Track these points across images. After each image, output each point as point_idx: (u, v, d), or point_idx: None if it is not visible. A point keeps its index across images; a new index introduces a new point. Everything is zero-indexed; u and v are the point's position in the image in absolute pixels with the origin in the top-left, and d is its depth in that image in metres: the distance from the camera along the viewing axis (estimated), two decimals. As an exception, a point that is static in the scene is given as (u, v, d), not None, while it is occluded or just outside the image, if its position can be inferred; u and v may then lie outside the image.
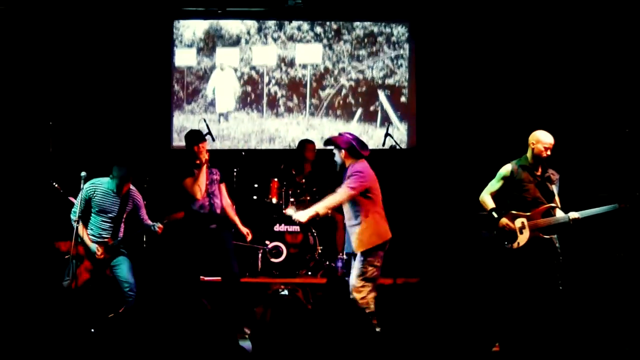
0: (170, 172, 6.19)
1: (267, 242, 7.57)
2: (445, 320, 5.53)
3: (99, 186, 5.82)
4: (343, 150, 5.44)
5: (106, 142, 8.10)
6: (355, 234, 5.34)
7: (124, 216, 5.91)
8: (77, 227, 5.64)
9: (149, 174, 7.48)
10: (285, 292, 6.26)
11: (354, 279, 5.35)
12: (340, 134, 5.64)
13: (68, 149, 7.77)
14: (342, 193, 5.31)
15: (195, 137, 6.03)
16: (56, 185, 6.65)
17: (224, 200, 6.17)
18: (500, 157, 5.95)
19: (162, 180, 7.41)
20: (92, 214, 5.78)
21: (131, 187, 5.94)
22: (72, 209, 5.79)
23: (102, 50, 8.34)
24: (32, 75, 8.10)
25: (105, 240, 5.82)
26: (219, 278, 6.38)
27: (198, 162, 5.88)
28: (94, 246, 5.72)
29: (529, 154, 5.66)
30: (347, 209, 5.42)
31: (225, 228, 6.10)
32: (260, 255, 7.57)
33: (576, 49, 8.04)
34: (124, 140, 8.26)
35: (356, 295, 5.28)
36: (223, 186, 6.16)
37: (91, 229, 5.80)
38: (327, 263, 7.56)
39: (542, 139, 5.58)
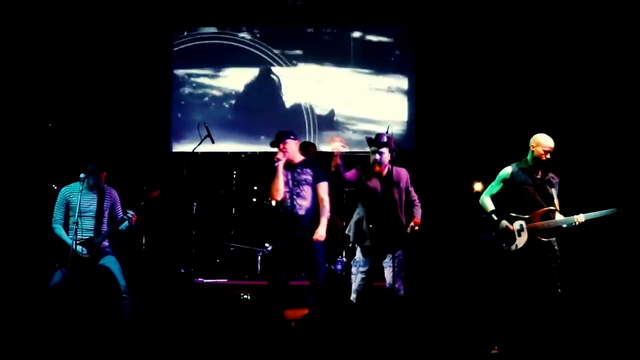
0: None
1: (267, 244, 7.58)
2: (445, 322, 5.54)
3: (74, 188, 5.86)
4: (393, 154, 5.67)
5: (106, 144, 8.12)
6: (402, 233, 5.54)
7: (105, 214, 5.91)
8: (60, 233, 5.74)
9: (148, 177, 7.49)
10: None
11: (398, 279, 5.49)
12: (382, 134, 5.71)
13: (68, 151, 7.77)
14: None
15: (276, 138, 5.82)
16: (55, 188, 6.65)
17: (319, 202, 5.73)
18: (500, 160, 5.96)
19: (161, 184, 7.42)
20: (73, 218, 5.76)
21: (106, 185, 5.94)
22: (53, 217, 5.84)
23: (103, 54, 8.38)
24: (33, 75, 8.12)
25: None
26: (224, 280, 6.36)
27: (275, 164, 5.73)
28: (79, 247, 5.71)
29: (529, 157, 5.66)
30: (397, 207, 5.59)
31: (307, 231, 5.65)
32: (259, 257, 7.58)
33: (576, 51, 8.06)
34: (124, 143, 8.29)
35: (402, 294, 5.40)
36: (319, 187, 5.70)
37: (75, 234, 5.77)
38: (327, 266, 7.56)
39: (542, 142, 5.59)
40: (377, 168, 5.62)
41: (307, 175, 5.72)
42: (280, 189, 5.63)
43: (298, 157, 5.77)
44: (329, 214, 5.67)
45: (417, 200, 5.75)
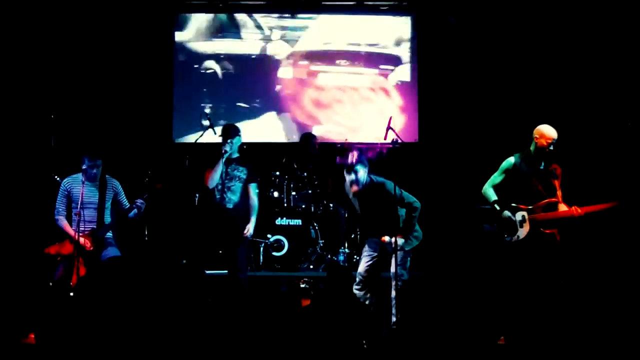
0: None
1: (269, 235, 7.57)
2: (449, 313, 5.55)
3: (75, 179, 5.87)
4: (367, 168, 5.52)
5: (108, 136, 8.10)
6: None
7: (107, 205, 5.91)
8: (63, 225, 5.76)
9: (150, 168, 7.47)
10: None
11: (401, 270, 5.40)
12: (350, 153, 5.58)
13: (70, 142, 7.76)
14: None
15: (226, 131, 6.13)
16: (58, 179, 6.65)
17: (249, 200, 6.10)
18: (502, 151, 5.95)
19: (163, 175, 7.41)
20: (75, 209, 5.77)
21: (108, 176, 5.96)
22: (55, 209, 5.84)
23: (104, 43, 8.34)
24: (34, 66, 8.09)
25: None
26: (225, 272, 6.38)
27: (222, 156, 6.04)
28: (81, 239, 5.70)
29: (532, 148, 5.66)
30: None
31: (234, 225, 6.02)
32: (262, 248, 7.58)
33: (578, 43, 8.04)
34: (126, 134, 8.28)
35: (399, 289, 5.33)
36: (250, 187, 6.09)
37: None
38: (329, 256, 7.57)
39: (545, 133, 5.58)
40: (354, 189, 5.51)
41: (241, 173, 6.07)
42: (215, 179, 5.99)
43: (236, 154, 6.14)
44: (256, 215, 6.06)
45: (413, 205, 5.51)
